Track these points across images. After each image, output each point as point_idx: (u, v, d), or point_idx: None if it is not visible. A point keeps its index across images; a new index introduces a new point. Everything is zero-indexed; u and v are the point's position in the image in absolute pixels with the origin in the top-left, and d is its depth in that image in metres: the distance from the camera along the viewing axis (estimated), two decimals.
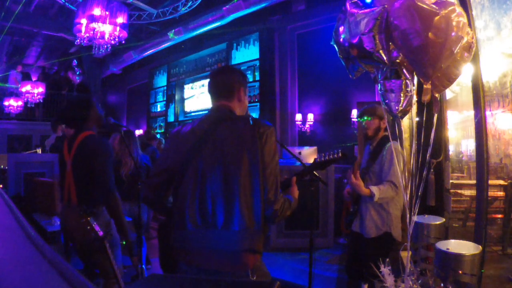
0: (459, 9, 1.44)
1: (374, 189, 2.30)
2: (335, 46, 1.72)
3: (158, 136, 7.30)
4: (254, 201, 1.39)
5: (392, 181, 2.33)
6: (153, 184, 1.54)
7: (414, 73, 1.59)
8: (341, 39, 1.62)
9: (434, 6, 1.40)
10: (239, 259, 1.38)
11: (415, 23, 1.37)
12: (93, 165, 2.21)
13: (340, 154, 1.80)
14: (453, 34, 1.39)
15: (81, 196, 2.23)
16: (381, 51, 1.44)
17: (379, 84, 1.66)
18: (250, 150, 1.40)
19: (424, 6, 1.38)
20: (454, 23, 1.39)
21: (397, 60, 1.53)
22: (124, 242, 2.50)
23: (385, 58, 1.46)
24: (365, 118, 2.56)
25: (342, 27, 1.61)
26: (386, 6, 1.44)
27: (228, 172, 1.40)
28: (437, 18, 1.36)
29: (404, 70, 1.57)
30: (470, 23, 1.87)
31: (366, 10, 1.49)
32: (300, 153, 4.89)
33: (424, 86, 1.50)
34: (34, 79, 11.10)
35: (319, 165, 1.85)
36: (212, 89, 1.61)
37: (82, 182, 2.24)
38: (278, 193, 1.42)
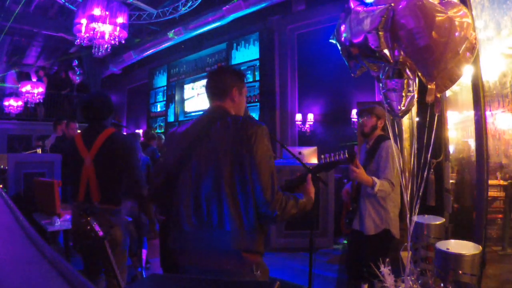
0: (464, 9, 1.44)
1: (376, 179, 2.34)
2: (337, 44, 1.72)
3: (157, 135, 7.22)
4: (240, 202, 1.38)
5: (388, 179, 2.37)
6: (154, 184, 1.57)
7: (416, 73, 1.58)
8: (343, 37, 1.62)
9: (439, 6, 1.40)
10: (240, 258, 1.38)
11: (420, 22, 1.37)
12: (124, 162, 2.21)
13: (346, 155, 1.75)
14: (456, 34, 1.39)
15: (105, 193, 2.21)
16: (385, 50, 1.44)
17: (381, 83, 1.66)
18: (236, 151, 1.39)
19: (429, 5, 1.38)
20: (457, 23, 1.39)
21: (400, 59, 1.52)
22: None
23: (389, 57, 1.46)
24: (363, 116, 2.64)
25: (345, 25, 1.60)
26: (392, 4, 1.44)
27: (219, 173, 1.40)
28: (440, 17, 1.36)
29: (407, 70, 1.57)
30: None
31: (371, 8, 1.49)
32: (300, 153, 4.88)
33: (429, 86, 1.50)
34: (34, 79, 11.10)
35: (324, 167, 1.81)
36: (207, 91, 1.63)
37: (107, 179, 2.21)
38: (275, 192, 1.38)
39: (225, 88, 1.57)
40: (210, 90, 1.61)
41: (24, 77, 10.75)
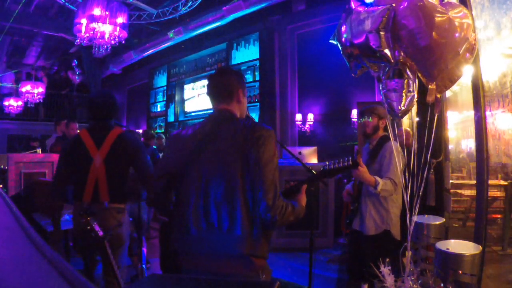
0: (465, 11, 1.45)
1: (378, 178, 2.33)
2: (338, 44, 1.72)
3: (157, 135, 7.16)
4: (250, 206, 1.37)
5: (391, 178, 2.36)
6: (156, 186, 1.55)
7: (417, 73, 1.59)
8: (344, 38, 1.62)
9: (440, 7, 1.41)
10: (249, 262, 1.38)
11: (421, 23, 1.38)
12: (135, 159, 2.23)
13: (350, 162, 1.73)
14: (456, 35, 1.40)
15: (113, 192, 2.20)
16: (386, 50, 1.45)
17: (381, 83, 1.66)
18: (244, 153, 1.38)
19: (430, 6, 1.39)
20: (457, 24, 1.39)
21: (400, 59, 1.53)
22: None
23: (390, 57, 1.46)
24: (365, 116, 2.63)
25: (345, 26, 1.61)
26: (393, 5, 1.44)
27: (229, 176, 1.38)
28: (440, 18, 1.37)
29: (407, 70, 1.58)
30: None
31: (372, 8, 1.49)
32: (300, 153, 4.88)
33: (429, 86, 1.50)
34: (33, 75, 11.10)
35: (328, 173, 1.79)
36: (211, 93, 1.60)
37: (116, 177, 2.21)
38: (276, 198, 1.37)
39: (231, 90, 1.55)
40: (215, 92, 1.58)
41: (23, 77, 10.76)
